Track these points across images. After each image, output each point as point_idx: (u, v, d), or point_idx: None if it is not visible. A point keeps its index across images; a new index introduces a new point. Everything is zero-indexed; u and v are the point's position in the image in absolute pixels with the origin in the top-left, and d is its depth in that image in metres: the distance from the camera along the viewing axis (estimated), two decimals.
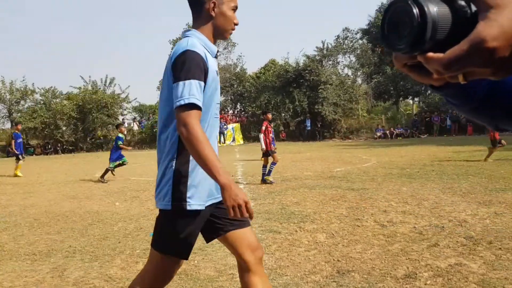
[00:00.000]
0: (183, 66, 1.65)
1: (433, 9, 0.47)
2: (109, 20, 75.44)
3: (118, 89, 31.37)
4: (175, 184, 1.70)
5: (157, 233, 1.81)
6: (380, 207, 5.34)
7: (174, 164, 1.71)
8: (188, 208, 1.70)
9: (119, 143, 10.00)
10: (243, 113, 34.16)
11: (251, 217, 1.59)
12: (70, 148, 26.97)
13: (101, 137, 28.09)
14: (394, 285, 2.85)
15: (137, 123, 32.57)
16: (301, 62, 30.31)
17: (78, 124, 27.22)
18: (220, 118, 26.73)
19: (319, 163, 12.20)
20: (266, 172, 8.23)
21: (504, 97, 0.64)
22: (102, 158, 19.77)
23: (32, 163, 17.84)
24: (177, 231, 1.74)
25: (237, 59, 39.21)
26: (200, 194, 1.75)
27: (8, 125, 30.01)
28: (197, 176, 1.74)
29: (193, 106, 1.61)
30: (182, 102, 1.60)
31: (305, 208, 5.53)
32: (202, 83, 1.67)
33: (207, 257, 3.63)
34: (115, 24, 75.37)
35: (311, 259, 3.48)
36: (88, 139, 27.75)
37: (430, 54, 0.49)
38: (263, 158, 8.55)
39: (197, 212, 1.74)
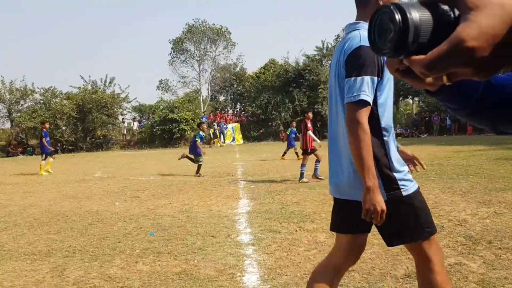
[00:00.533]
0: (357, 62, 1.67)
1: (415, 14, 0.49)
2: (109, 20, 75.31)
3: (118, 88, 31.38)
4: (382, 174, 1.71)
5: (402, 224, 1.75)
6: None
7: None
8: (405, 194, 1.72)
9: (197, 140, 10.49)
10: (243, 112, 34.17)
11: (381, 224, 1.65)
12: (70, 148, 26.95)
13: (101, 137, 28.07)
14: (394, 284, 2.85)
15: (137, 122, 32.61)
16: (301, 61, 30.33)
17: (78, 124, 27.18)
18: (220, 118, 26.52)
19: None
20: (303, 171, 8.33)
21: (495, 97, 0.66)
22: (101, 158, 19.77)
23: (32, 162, 17.83)
24: (411, 214, 1.72)
25: (237, 59, 39.37)
26: (408, 176, 1.77)
27: (8, 125, 30.01)
28: (396, 157, 1.77)
29: (363, 103, 1.64)
30: (352, 99, 1.65)
31: (305, 208, 5.53)
32: (375, 79, 1.69)
33: (207, 257, 3.63)
34: (115, 24, 75.24)
35: (311, 258, 3.48)
36: (88, 139, 27.70)
37: (414, 56, 0.51)
38: (302, 156, 8.61)
39: (415, 193, 1.75)
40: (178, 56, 37.45)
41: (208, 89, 38.52)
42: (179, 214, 5.57)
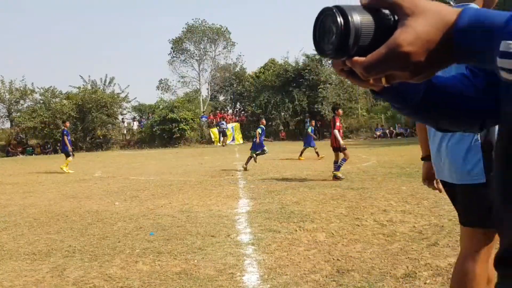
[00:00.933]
0: None
1: (356, 18, 0.51)
2: (109, 20, 75.29)
3: (117, 88, 31.31)
4: (486, 157, 1.77)
5: (478, 209, 1.79)
6: (380, 207, 5.35)
7: (479, 138, 1.79)
8: None
9: (259, 133, 11.05)
10: (242, 112, 34.18)
11: None
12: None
13: (101, 137, 28.05)
14: (394, 284, 2.86)
15: (137, 122, 32.62)
16: (300, 61, 30.30)
17: (77, 124, 27.16)
18: (220, 118, 26.40)
19: (319, 162, 12.20)
20: (336, 167, 8.33)
21: (437, 97, 0.70)
22: (101, 158, 19.76)
23: (32, 162, 17.84)
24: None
25: (236, 59, 39.39)
26: None
27: (7, 125, 30.01)
28: None
29: None
30: None
31: (305, 208, 5.53)
32: None
33: (207, 257, 3.63)
34: (115, 24, 75.22)
35: (311, 258, 3.48)
36: (88, 139, 27.68)
37: (355, 58, 0.53)
38: (335, 154, 8.54)
39: None
40: (178, 56, 37.48)
41: (208, 89, 38.55)
42: (179, 214, 5.57)
